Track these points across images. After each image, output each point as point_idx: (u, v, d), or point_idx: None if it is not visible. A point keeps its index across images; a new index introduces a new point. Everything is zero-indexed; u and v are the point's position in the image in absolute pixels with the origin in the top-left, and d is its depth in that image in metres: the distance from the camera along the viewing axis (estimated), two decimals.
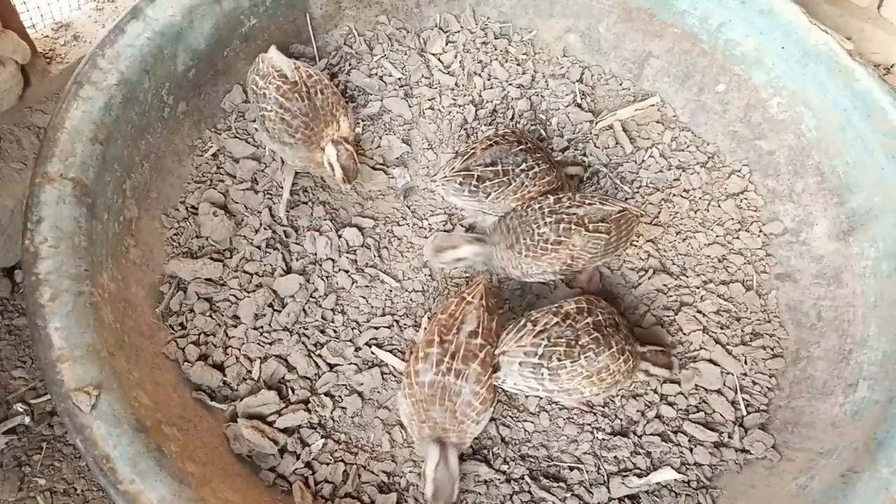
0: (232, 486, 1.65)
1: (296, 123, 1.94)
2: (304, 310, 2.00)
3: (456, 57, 2.48)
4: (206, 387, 1.86)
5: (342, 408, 1.90)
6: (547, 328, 1.76)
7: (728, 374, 2.04)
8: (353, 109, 2.31)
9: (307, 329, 1.98)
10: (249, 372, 1.89)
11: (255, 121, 2.20)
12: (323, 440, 1.84)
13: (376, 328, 2.01)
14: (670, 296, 2.16)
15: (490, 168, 2.01)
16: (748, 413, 1.99)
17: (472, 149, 2.06)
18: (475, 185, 2.01)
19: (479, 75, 2.46)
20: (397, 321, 2.03)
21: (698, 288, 2.18)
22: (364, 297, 2.05)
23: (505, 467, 1.86)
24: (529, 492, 1.83)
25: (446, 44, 2.50)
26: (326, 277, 2.07)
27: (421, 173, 2.30)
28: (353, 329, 2.01)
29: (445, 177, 2.04)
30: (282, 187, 2.15)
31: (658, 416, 1.96)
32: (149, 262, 1.93)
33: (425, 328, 1.86)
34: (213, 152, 2.19)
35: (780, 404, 2.01)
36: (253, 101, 2.06)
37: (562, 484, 1.85)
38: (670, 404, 1.99)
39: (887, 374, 1.82)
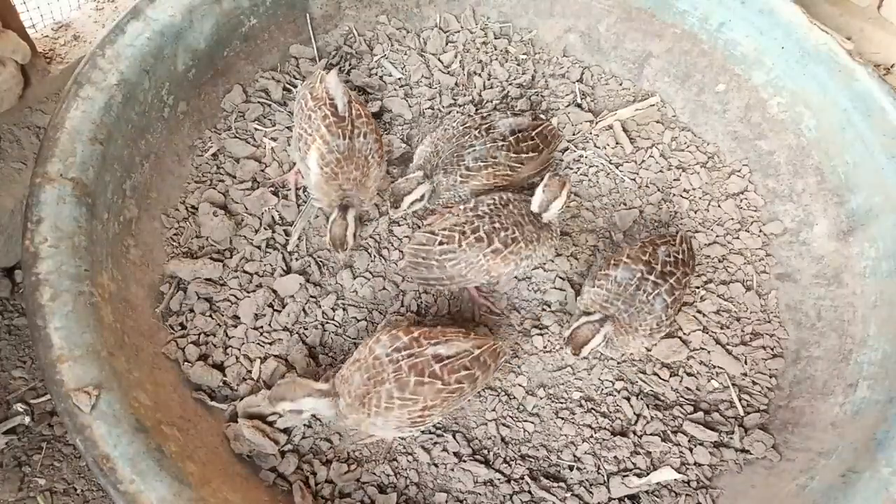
0: (232, 486, 1.65)
1: (329, 158, 1.89)
2: (304, 310, 2.00)
3: (456, 57, 2.48)
4: (206, 387, 1.86)
5: None
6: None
7: (728, 374, 2.04)
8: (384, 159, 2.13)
9: (307, 329, 1.98)
10: (249, 372, 1.89)
11: (290, 129, 2.15)
12: (323, 440, 1.85)
13: (375, 328, 2.00)
14: None
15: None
16: (748, 413, 1.99)
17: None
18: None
19: (479, 75, 2.46)
20: (398, 321, 2.03)
21: (698, 288, 2.18)
22: (364, 297, 2.05)
23: (505, 467, 1.86)
24: (529, 492, 1.83)
25: (446, 44, 2.50)
26: (326, 277, 2.07)
27: None
28: (353, 328, 2.00)
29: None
30: (284, 188, 2.16)
31: (658, 416, 1.96)
32: (149, 262, 1.93)
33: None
34: (213, 152, 2.19)
35: (780, 404, 2.01)
36: (297, 112, 2.01)
37: (562, 484, 1.85)
38: (670, 405, 1.99)
39: (887, 374, 1.82)
